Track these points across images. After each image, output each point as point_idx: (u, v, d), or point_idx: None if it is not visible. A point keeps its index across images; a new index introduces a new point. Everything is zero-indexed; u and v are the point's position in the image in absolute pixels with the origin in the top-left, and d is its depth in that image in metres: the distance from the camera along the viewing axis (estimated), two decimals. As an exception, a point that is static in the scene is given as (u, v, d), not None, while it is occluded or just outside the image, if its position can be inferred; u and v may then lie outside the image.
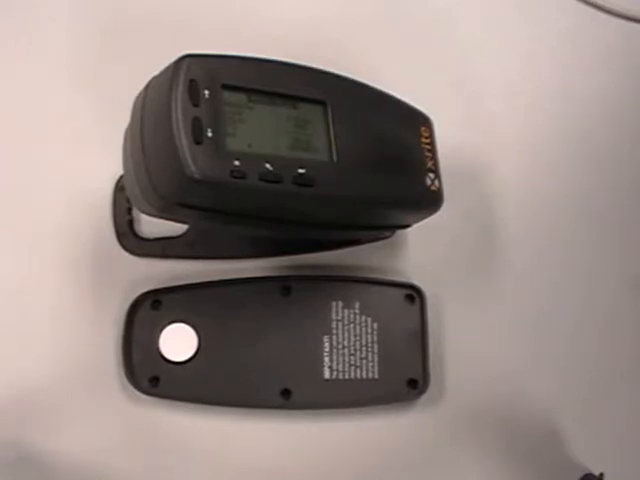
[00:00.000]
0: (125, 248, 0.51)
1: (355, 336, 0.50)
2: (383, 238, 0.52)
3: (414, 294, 0.51)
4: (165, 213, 0.42)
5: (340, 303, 0.50)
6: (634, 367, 0.51)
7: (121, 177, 0.52)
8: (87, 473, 0.48)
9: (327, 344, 0.50)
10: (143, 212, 0.44)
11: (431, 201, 0.47)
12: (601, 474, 0.47)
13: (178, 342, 0.49)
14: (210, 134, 0.39)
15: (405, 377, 0.49)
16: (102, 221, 0.52)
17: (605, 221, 0.54)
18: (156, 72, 0.41)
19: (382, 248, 0.53)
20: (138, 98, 0.41)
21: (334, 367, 0.49)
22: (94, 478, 0.48)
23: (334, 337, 0.50)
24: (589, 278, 0.53)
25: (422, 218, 0.48)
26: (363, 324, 0.50)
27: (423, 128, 0.47)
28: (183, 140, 0.38)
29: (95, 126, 0.53)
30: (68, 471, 0.48)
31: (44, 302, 0.50)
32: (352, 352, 0.50)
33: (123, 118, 0.43)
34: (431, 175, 0.46)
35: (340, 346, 0.50)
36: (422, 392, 0.49)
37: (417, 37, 0.58)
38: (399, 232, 0.52)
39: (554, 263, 0.53)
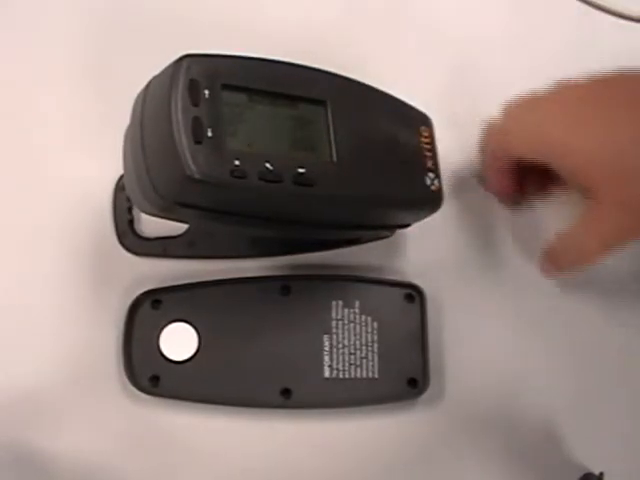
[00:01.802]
0: (125, 247, 0.52)
1: (355, 335, 0.50)
2: (383, 238, 0.52)
3: (414, 294, 0.51)
4: (165, 212, 0.42)
5: (340, 302, 0.50)
6: (634, 367, 0.51)
7: (121, 177, 0.52)
8: (87, 473, 0.48)
9: (327, 343, 0.50)
10: (143, 211, 0.44)
11: (431, 201, 0.47)
12: (601, 474, 0.47)
13: (178, 341, 0.49)
14: (210, 134, 0.39)
15: (405, 377, 0.50)
16: (102, 220, 0.52)
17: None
18: (156, 72, 0.41)
19: (382, 248, 0.53)
20: (138, 98, 0.42)
21: (334, 366, 0.49)
22: (94, 478, 0.48)
23: (334, 336, 0.50)
24: (588, 278, 0.53)
25: (422, 218, 0.48)
26: (363, 323, 0.50)
27: (423, 128, 0.48)
28: (183, 140, 0.38)
29: (95, 126, 0.53)
30: (68, 471, 0.48)
31: (44, 302, 0.50)
32: (352, 351, 0.50)
33: (124, 118, 0.43)
34: (431, 175, 0.46)
35: (340, 345, 0.50)
36: (422, 392, 0.49)
37: (417, 37, 0.58)
38: (399, 232, 0.52)
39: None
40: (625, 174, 0.42)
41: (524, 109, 0.48)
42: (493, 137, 0.50)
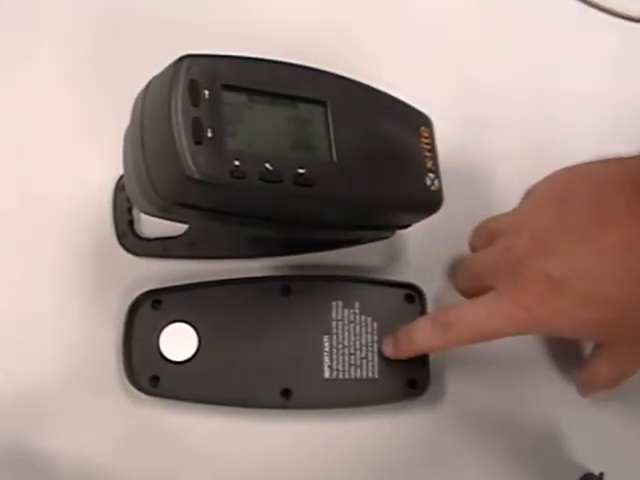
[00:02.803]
0: (125, 248, 0.52)
1: (355, 336, 0.50)
2: (383, 238, 0.52)
3: (414, 294, 0.51)
4: (165, 213, 0.42)
5: (340, 303, 0.50)
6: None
7: (121, 177, 0.52)
8: (87, 473, 0.48)
9: (327, 344, 0.50)
10: (143, 212, 0.44)
11: (431, 201, 0.47)
12: (601, 474, 0.47)
13: (178, 342, 0.49)
14: (210, 134, 0.39)
15: (405, 377, 0.49)
16: (102, 221, 0.52)
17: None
18: (156, 72, 0.41)
19: (382, 248, 0.53)
20: (138, 98, 0.42)
21: (334, 367, 0.49)
22: (94, 478, 0.48)
23: (334, 337, 0.50)
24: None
25: (422, 218, 0.48)
26: (363, 324, 0.50)
27: (423, 128, 0.48)
28: (183, 140, 0.38)
29: (95, 126, 0.53)
30: (68, 471, 0.48)
31: (44, 302, 0.50)
32: (352, 352, 0.50)
33: (123, 118, 0.43)
34: (431, 175, 0.46)
35: (340, 346, 0.50)
36: (422, 392, 0.49)
37: (417, 37, 0.58)
38: (399, 232, 0.52)
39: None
40: (633, 324, 0.43)
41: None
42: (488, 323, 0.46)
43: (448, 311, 0.47)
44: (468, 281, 0.49)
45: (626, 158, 0.44)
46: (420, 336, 0.48)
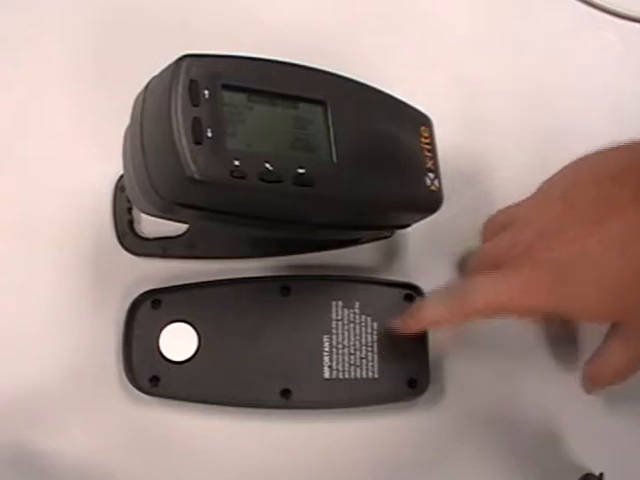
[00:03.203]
0: (125, 248, 0.52)
1: (355, 336, 0.50)
2: (383, 238, 0.52)
3: (414, 294, 0.51)
4: (165, 213, 0.42)
5: (340, 303, 0.50)
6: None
7: (121, 177, 0.52)
8: (87, 473, 0.48)
9: (327, 344, 0.50)
10: (143, 212, 0.44)
11: (431, 201, 0.47)
12: (601, 474, 0.47)
13: (178, 341, 0.49)
14: (210, 134, 0.39)
15: (405, 377, 0.49)
16: (102, 221, 0.52)
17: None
18: (156, 72, 0.41)
19: (382, 248, 0.53)
20: (138, 98, 0.42)
21: (334, 367, 0.49)
22: (94, 478, 0.48)
23: (334, 337, 0.50)
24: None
25: (422, 218, 0.48)
26: (363, 324, 0.50)
27: (423, 128, 0.48)
28: (183, 140, 0.38)
29: (95, 126, 0.53)
30: (68, 471, 0.48)
31: (44, 302, 0.50)
32: (352, 352, 0.50)
33: (123, 118, 0.43)
34: (431, 175, 0.46)
35: (340, 346, 0.50)
36: (422, 392, 0.49)
37: (417, 37, 0.58)
38: (399, 232, 0.52)
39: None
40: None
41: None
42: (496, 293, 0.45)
43: (464, 281, 0.46)
44: (477, 272, 0.49)
45: (625, 150, 0.45)
46: (432, 307, 0.47)
